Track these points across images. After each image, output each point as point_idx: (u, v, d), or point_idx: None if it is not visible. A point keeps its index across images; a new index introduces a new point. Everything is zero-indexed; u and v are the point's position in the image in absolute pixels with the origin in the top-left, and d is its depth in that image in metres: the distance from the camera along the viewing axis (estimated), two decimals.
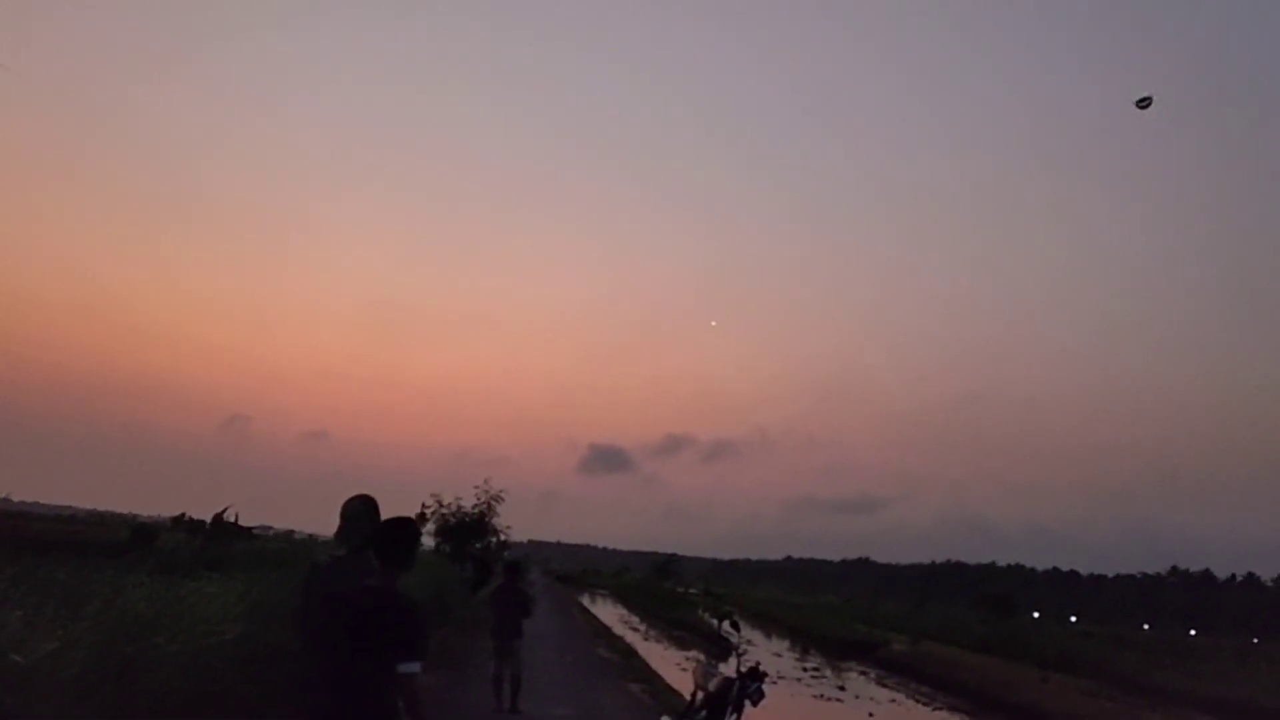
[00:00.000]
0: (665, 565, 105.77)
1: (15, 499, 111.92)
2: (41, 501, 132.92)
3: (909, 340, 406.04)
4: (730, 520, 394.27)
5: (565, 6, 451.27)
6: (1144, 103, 10.22)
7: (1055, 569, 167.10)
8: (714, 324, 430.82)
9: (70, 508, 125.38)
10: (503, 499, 36.59)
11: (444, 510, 35.88)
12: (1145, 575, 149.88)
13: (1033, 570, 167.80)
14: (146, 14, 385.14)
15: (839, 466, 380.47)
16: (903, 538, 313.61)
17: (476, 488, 36.41)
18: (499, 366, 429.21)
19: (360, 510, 4.93)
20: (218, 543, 27.79)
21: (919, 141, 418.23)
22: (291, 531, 72.78)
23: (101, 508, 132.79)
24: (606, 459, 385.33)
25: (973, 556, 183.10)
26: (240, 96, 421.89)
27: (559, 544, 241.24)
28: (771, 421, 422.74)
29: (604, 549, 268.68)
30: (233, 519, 31.66)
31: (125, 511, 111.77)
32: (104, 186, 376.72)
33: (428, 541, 35.37)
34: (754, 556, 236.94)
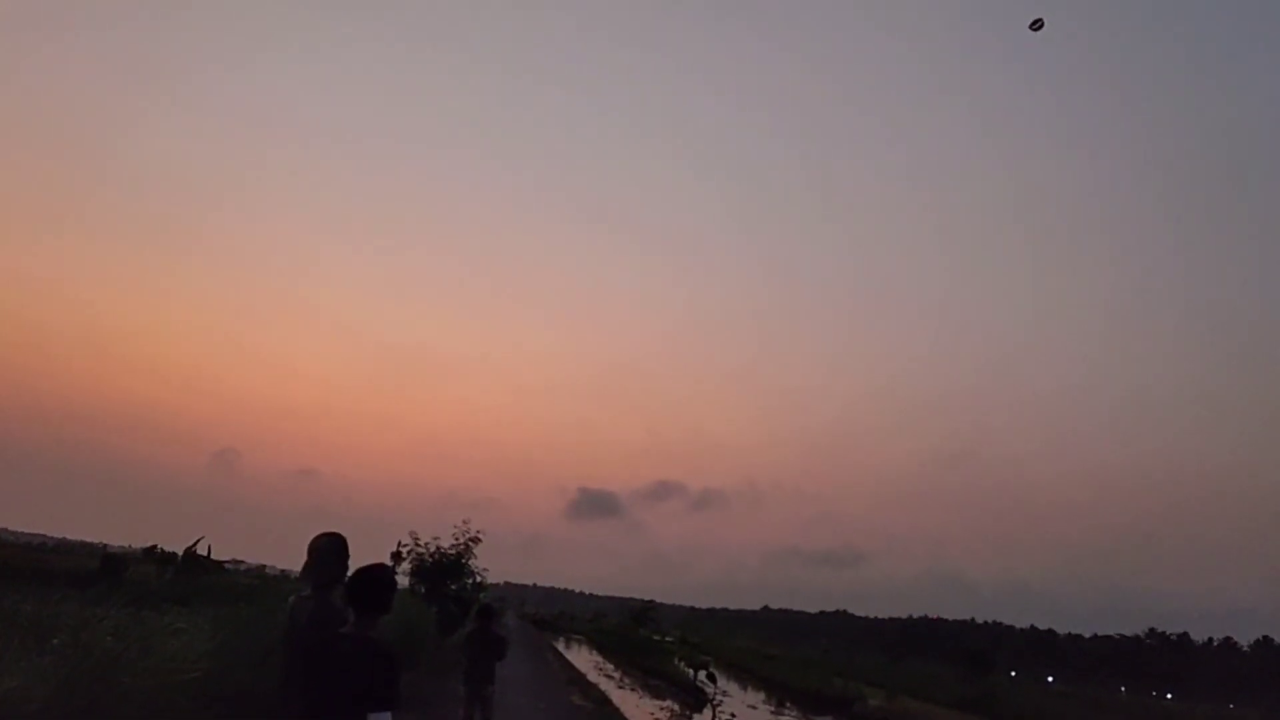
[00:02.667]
0: (642, 612, 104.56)
1: None
2: (10, 528, 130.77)
3: (899, 396, 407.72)
4: (710, 569, 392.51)
5: (554, 58, 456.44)
6: (1036, 25, 10.47)
7: (1033, 627, 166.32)
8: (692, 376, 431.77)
9: (40, 535, 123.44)
10: (481, 540, 36.21)
11: (420, 550, 35.45)
12: (1123, 636, 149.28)
13: (1010, 628, 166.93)
14: (141, 40, 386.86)
15: (823, 519, 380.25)
16: (882, 592, 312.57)
17: (455, 528, 36.02)
18: (494, 409, 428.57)
19: (327, 548, 4.83)
20: (188, 576, 27.41)
21: (904, 197, 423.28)
22: (264, 567, 71.91)
23: (72, 536, 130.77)
24: (595, 503, 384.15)
25: (951, 612, 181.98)
26: (241, 132, 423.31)
27: (535, 587, 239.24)
28: (761, 473, 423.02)
29: (581, 593, 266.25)
30: (205, 552, 31.26)
31: (96, 541, 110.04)
32: (93, 212, 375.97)
33: (402, 581, 34.94)
34: (732, 606, 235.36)
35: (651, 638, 79.04)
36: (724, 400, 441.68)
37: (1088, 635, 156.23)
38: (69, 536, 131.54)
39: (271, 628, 8.58)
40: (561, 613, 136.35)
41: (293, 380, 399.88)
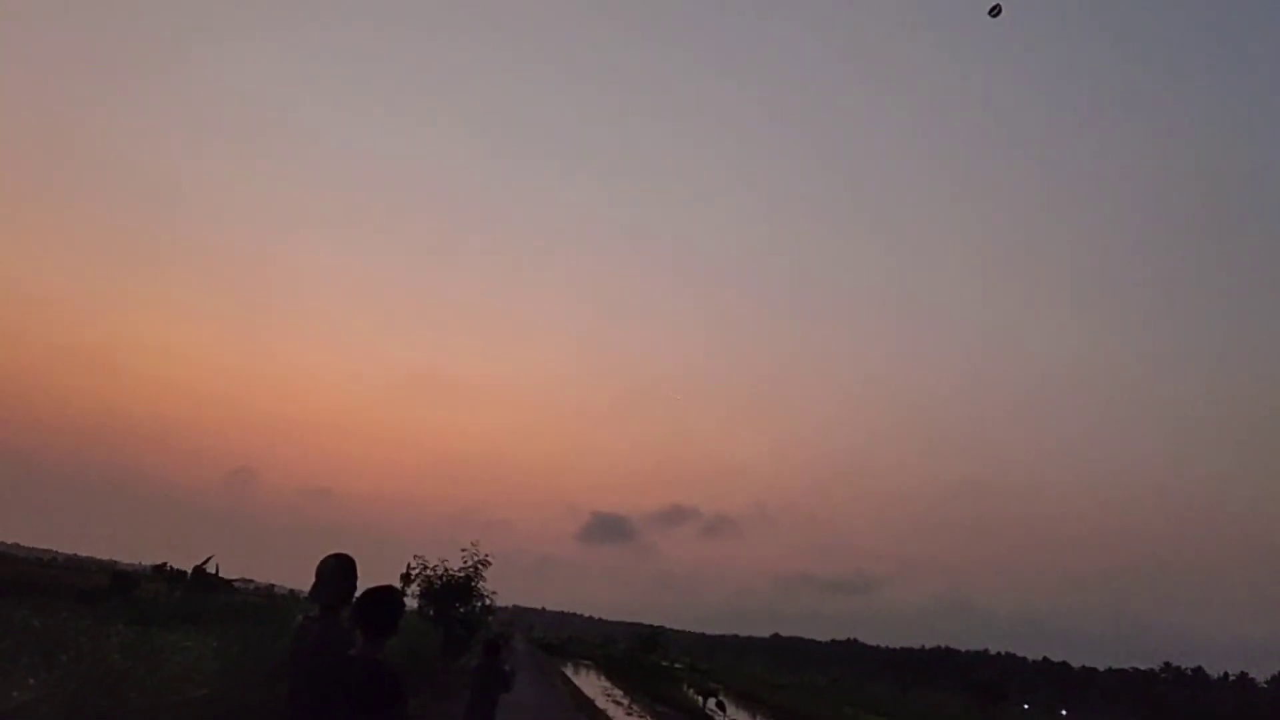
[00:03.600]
0: (652, 638, 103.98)
1: None
2: (22, 544, 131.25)
3: (914, 424, 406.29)
4: (720, 595, 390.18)
5: (570, 84, 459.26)
6: (994, 11, 10.47)
7: (1046, 659, 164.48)
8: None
9: (51, 551, 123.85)
10: (490, 563, 36.12)
11: (429, 572, 35.38)
12: (1137, 670, 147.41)
13: (1023, 659, 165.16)
14: (152, 58, 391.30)
15: (835, 546, 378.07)
16: (893, 620, 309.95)
17: (464, 550, 35.95)
18: (509, 432, 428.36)
19: (334, 568, 4.81)
20: (197, 594, 27.41)
21: (926, 230, 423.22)
22: (272, 586, 71.89)
23: (83, 553, 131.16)
24: (607, 527, 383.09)
25: (963, 643, 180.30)
26: (257, 152, 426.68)
27: (544, 611, 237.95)
28: (774, 498, 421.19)
29: (590, 618, 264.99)
30: (214, 570, 31.29)
31: (106, 558, 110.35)
32: (106, 231, 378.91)
33: (410, 603, 34.83)
34: (742, 632, 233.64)
35: (660, 664, 78.55)
36: (739, 426, 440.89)
37: (1102, 668, 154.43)
38: (79, 553, 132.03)
39: (279, 647, 8.57)
40: (570, 637, 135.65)
41: (308, 400, 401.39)
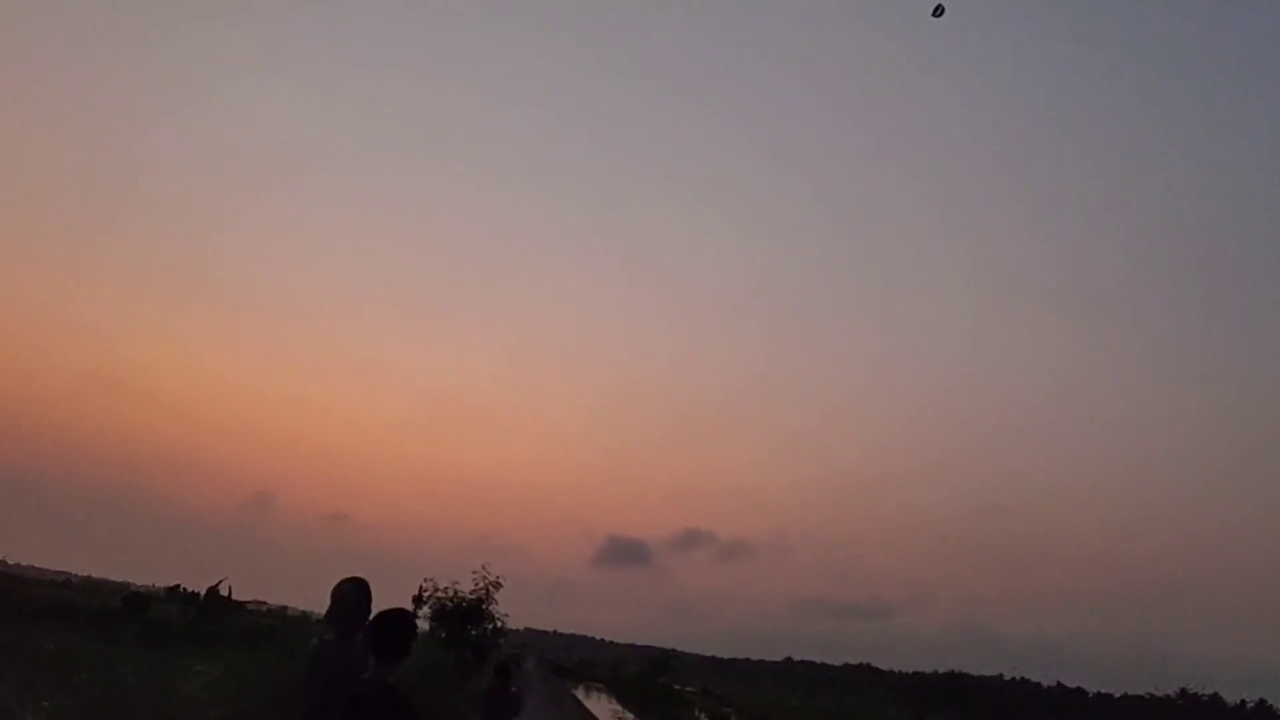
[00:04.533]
0: (663, 661, 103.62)
1: (10, 561, 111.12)
2: (37, 565, 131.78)
3: (931, 449, 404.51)
4: (733, 618, 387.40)
5: (591, 118, 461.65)
6: (938, 11, 10.51)
7: (1061, 685, 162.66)
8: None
9: (65, 573, 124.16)
10: (501, 585, 36.11)
11: (440, 595, 35.38)
12: (1153, 696, 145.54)
13: (1038, 685, 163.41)
14: (179, 96, 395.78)
15: (850, 570, 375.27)
16: (907, 645, 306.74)
17: (475, 573, 35.97)
18: (527, 458, 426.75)
19: (351, 593, 4.80)
20: (210, 616, 27.46)
21: (937, 251, 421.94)
22: (285, 608, 71.92)
23: (97, 575, 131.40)
24: (622, 551, 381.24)
25: (977, 668, 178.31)
26: (274, 179, 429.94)
27: (555, 633, 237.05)
28: (790, 522, 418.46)
29: (601, 640, 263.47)
30: (226, 592, 31.34)
31: (120, 579, 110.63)
32: (125, 255, 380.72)
33: (422, 625, 34.81)
34: (754, 656, 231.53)
35: (672, 687, 78.13)
36: (759, 450, 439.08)
37: (1118, 694, 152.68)
38: (94, 575, 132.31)
39: (291, 670, 8.59)
40: (581, 660, 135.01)
41: (326, 425, 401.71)
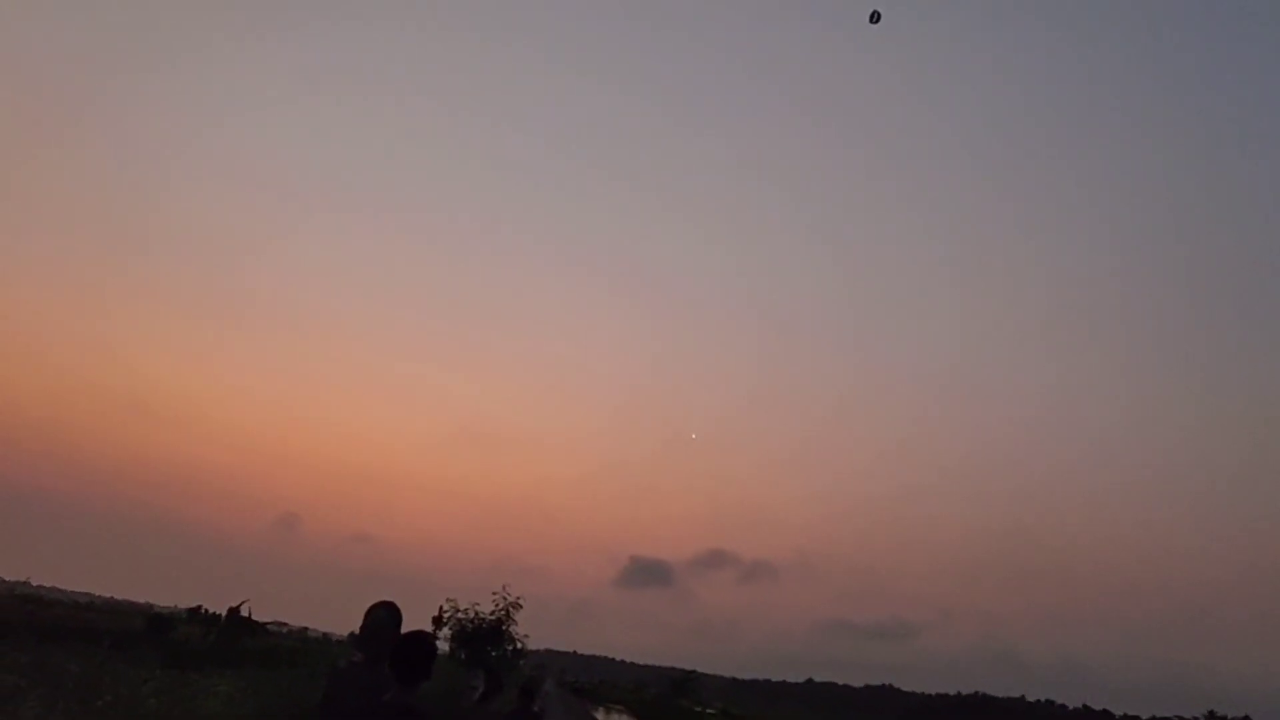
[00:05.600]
0: (683, 682, 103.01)
1: (34, 583, 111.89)
2: (60, 586, 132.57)
3: (957, 473, 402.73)
4: (755, 639, 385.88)
5: (617, 146, 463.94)
6: (874, 18, 10.52)
7: (1086, 706, 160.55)
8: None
9: (89, 594, 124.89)
10: (521, 605, 36.00)
11: (460, 615, 35.31)
12: (1180, 718, 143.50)
13: (1063, 707, 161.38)
14: (214, 124, 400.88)
15: (874, 592, 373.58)
16: (930, 666, 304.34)
17: (495, 594, 35.89)
18: (552, 481, 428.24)
19: (384, 618, 4.79)
20: (231, 637, 27.54)
21: (967, 284, 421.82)
22: (306, 629, 72.07)
23: (120, 596, 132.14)
24: (645, 572, 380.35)
25: (1001, 689, 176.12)
26: (305, 205, 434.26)
27: (575, 654, 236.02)
28: (813, 544, 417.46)
29: (621, 662, 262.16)
30: (247, 613, 31.46)
31: (143, 600, 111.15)
32: (162, 284, 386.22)
33: (442, 647, 34.74)
34: (775, 677, 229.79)
35: (693, 709, 77.61)
36: (783, 473, 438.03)
37: (1145, 716, 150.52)
38: (116, 596, 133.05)
39: (312, 691, 8.58)
40: (602, 681, 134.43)
41: (351, 447, 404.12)
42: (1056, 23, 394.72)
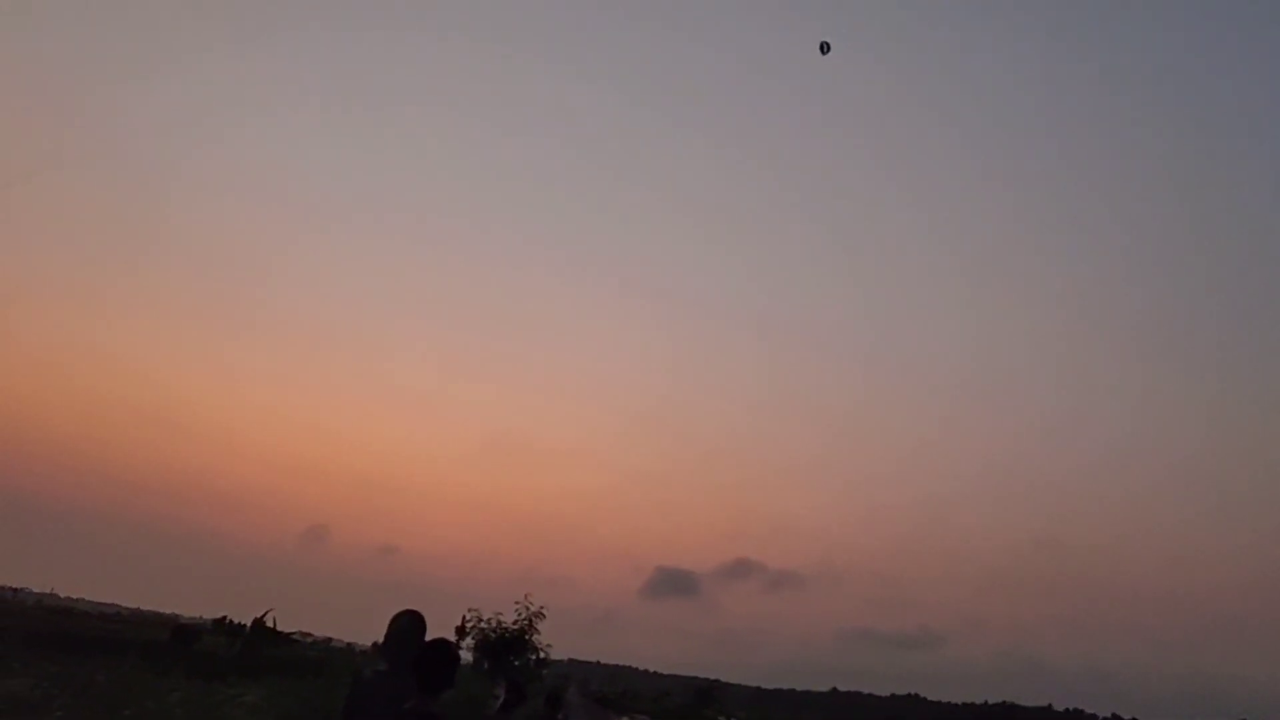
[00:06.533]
0: (707, 692, 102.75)
1: (61, 594, 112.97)
2: (87, 598, 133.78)
3: (985, 480, 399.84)
4: (779, 649, 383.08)
5: (638, 153, 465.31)
6: (824, 48, 10.54)
7: (1116, 715, 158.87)
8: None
9: (115, 605, 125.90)
10: (544, 615, 36.04)
11: (484, 625, 35.38)
12: None
13: (1093, 716, 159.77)
14: (230, 129, 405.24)
15: (900, 600, 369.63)
16: (957, 675, 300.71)
17: (517, 603, 35.95)
18: (578, 492, 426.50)
19: (407, 626, 4.84)
20: (255, 647, 27.71)
21: (991, 280, 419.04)
22: (329, 639, 72.34)
23: (146, 607, 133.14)
24: (670, 582, 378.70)
25: (1029, 698, 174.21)
26: (323, 212, 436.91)
27: (599, 664, 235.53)
28: (839, 553, 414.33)
29: (644, 671, 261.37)
30: (271, 624, 31.65)
31: (169, 611, 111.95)
32: (185, 295, 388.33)
33: (465, 657, 34.80)
34: (799, 687, 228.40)
35: (717, 718, 77.28)
36: (809, 481, 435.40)
37: None
38: (142, 607, 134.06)
39: (336, 700, 8.60)
40: (625, 690, 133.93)
41: (378, 459, 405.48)
42: (1075, 23, 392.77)
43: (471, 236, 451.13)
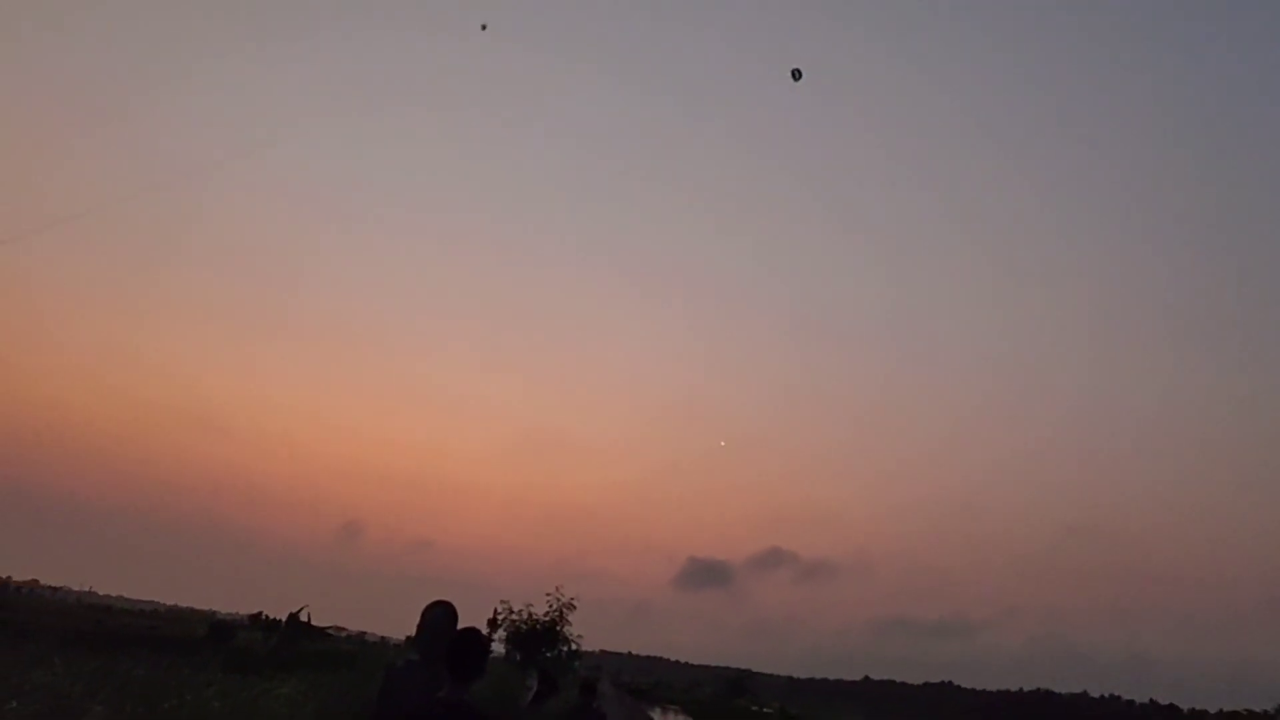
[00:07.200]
0: (739, 682, 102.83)
1: (100, 592, 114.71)
2: (127, 596, 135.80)
3: (1019, 468, 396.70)
4: (811, 639, 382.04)
5: (662, 151, 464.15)
6: (796, 74, 10.48)
7: (1153, 701, 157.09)
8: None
9: (153, 603, 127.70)
10: (574, 606, 36.13)
11: (514, 617, 35.53)
12: (1250, 712, 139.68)
13: (1130, 702, 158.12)
14: (268, 136, 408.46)
15: (934, 589, 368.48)
16: (991, 663, 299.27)
17: (548, 595, 36.06)
18: (612, 485, 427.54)
19: (440, 617, 4.87)
20: (290, 642, 28.03)
21: (1027, 266, 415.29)
22: (364, 633, 73.16)
23: (183, 604, 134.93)
24: (703, 572, 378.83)
25: (1064, 685, 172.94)
26: (363, 218, 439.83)
27: (630, 655, 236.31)
28: (874, 541, 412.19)
29: (675, 662, 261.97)
30: (306, 619, 31.99)
31: (206, 608, 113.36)
32: (223, 300, 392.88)
33: (497, 649, 35.00)
34: (831, 676, 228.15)
35: (749, 708, 77.34)
36: (842, 470, 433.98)
37: (1213, 710, 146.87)
38: (180, 604, 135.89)
39: (370, 691, 8.70)
40: (657, 682, 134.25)
41: (416, 459, 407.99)
42: (1102, 7, 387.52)
43: (500, 236, 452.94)
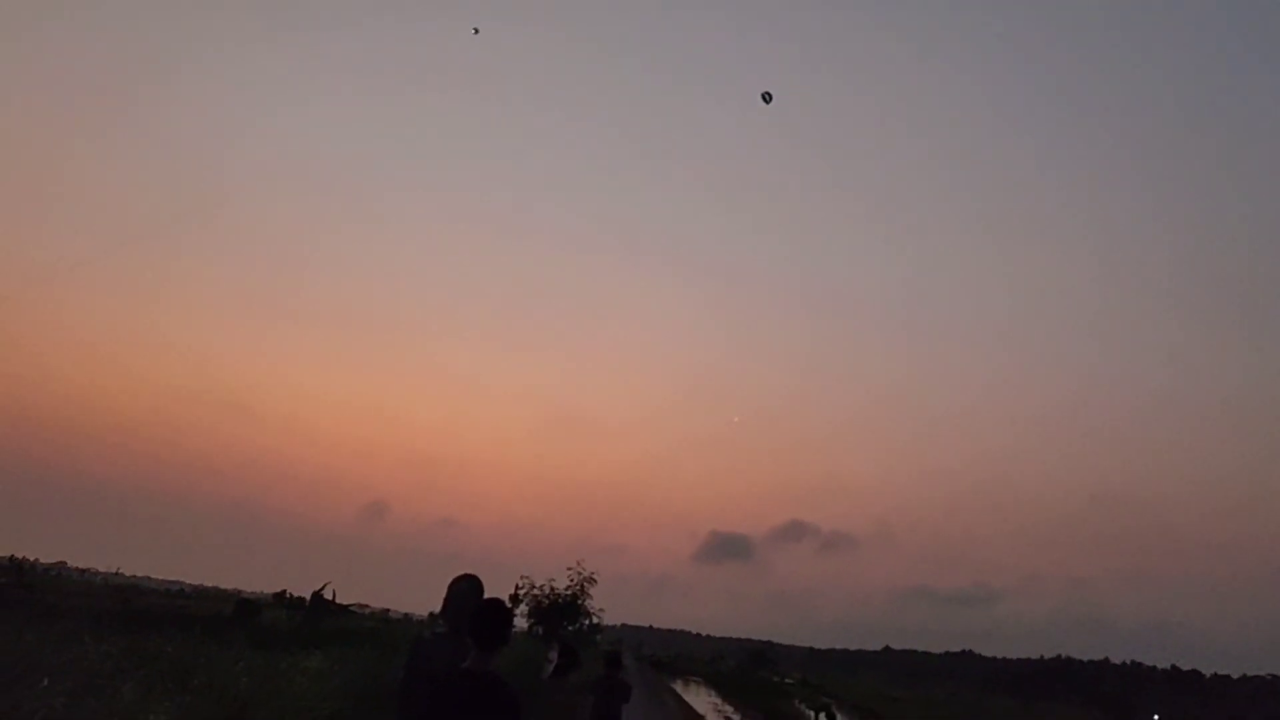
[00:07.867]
0: (761, 653, 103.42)
1: (126, 573, 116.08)
2: (153, 576, 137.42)
3: (1041, 436, 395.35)
4: (832, 609, 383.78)
5: (685, 138, 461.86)
6: (766, 97, 10.50)
7: (1175, 668, 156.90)
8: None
9: (179, 583, 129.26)
10: (595, 580, 36.38)
11: (536, 591, 35.81)
12: (1275, 677, 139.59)
13: (1152, 669, 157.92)
14: (288, 129, 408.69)
15: (956, 559, 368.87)
16: (1012, 631, 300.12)
17: (569, 569, 36.32)
18: (633, 461, 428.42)
19: (466, 590, 4.99)
20: (314, 619, 28.34)
21: (1041, 235, 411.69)
22: (387, 610, 73.83)
23: (209, 583, 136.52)
24: (724, 546, 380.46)
25: (1084, 653, 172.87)
26: (383, 206, 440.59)
27: (652, 629, 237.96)
28: (894, 511, 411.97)
29: (697, 635, 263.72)
30: (330, 596, 32.34)
31: (231, 587, 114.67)
32: (247, 284, 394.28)
33: (519, 623, 35.31)
34: (852, 646, 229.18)
35: (771, 679, 77.80)
36: (862, 442, 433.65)
37: (1236, 675, 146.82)
38: (205, 583, 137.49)
39: (394, 668, 8.81)
40: (679, 654, 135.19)
41: (441, 439, 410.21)
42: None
43: (520, 217, 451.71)
